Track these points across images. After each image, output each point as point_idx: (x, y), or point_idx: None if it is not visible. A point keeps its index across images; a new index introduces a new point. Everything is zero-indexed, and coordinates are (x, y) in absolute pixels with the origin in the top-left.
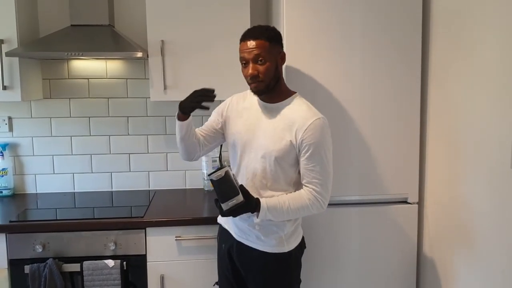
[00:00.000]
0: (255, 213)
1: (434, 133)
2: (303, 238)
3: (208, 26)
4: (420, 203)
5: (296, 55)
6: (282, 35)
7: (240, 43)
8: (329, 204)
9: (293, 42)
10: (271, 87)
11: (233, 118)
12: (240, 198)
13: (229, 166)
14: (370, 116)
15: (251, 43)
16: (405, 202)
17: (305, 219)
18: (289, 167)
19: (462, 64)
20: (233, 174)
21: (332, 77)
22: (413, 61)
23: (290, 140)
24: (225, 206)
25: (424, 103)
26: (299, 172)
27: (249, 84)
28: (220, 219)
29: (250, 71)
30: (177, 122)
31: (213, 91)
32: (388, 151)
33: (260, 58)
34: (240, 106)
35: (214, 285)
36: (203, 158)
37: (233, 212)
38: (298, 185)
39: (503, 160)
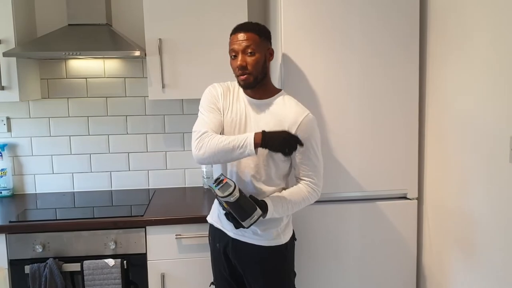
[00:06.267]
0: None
1: (433, 128)
2: (293, 230)
3: (206, 24)
4: (420, 198)
5: (294, 54)
6: (280, 34)
7: (230, 37)
8: (329, 201)
9: (291, 40)
10: (259, 81)
11: (223, 111)
12: (259, 212)
13: (222, 174)
14: (368, 112)
15: (242, 36)
16: (404, 197)
17: (304, 216)
18: (281, 162)
19: (459, 60)
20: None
21: (331, 75)
22: (411, 58)
23: None
24: (247, 224)
25: (422, 98)
26: (289, 166)
27: (237, 77)
28: (211, 219)
29: (239, 62)
30: (249, 151)
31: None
32: (387, 147)
33: (249, 50)
34: (227, 99)
35: (210, 285)
36: None
37: (252, 224)
38: (287, 178)
39: (502, 155)
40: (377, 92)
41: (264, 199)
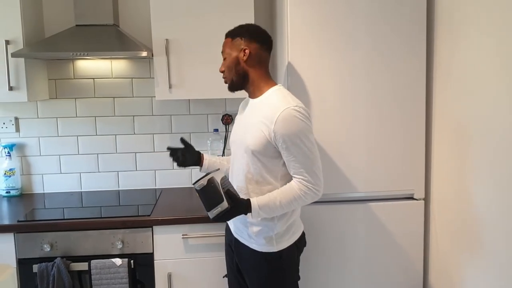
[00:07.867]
0: (249, 213)
1: (440, 128)
2: (302, 235)
3: (213, 24)
4: (426, 199)
5: (300, 53)
6: (286, 34)
7: None
8: (335, 201)
9: (297, 40)
10: (237, 84)
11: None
12: (224, 205)
13: (218, 169)
14: (375, 112)
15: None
16: (411, 198)
17: (310, 216)
18: (270, 160)
19: (467, 60)
20: (224, 179)
21: (337, 75)
22: (418, 57)
23: (264, 133)
24: (210, 215)
25: (429, 98)
26: (284, 165)
27: None
28: None
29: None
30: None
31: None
32: (394, 147)
33: (224, 56)
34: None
35: (223, 277)
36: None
37: (221, 218)
38: (287, 179)
39: (509, 155)
40: (383, 92)
41: (250, 199)
